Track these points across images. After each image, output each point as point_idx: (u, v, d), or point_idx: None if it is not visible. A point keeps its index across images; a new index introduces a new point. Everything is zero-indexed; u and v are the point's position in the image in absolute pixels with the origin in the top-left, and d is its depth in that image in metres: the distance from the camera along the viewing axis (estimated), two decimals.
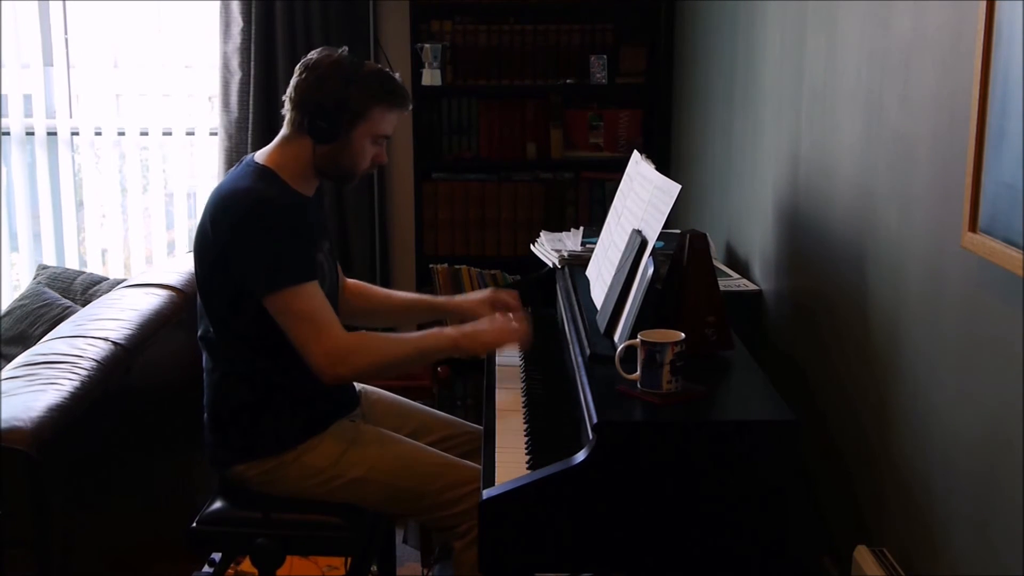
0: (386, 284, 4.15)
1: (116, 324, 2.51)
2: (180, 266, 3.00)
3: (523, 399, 2.29)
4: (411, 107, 2.41)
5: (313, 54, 2.33)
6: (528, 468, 1.96)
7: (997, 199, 1.37)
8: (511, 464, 1.98)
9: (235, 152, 4.04)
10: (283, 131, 2.35)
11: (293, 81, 2.31)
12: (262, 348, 2.27)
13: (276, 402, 2.32)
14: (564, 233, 3.03)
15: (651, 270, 2.03)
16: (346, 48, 2.33)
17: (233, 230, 2.23)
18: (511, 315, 2.43)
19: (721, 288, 2.12)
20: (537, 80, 3.99)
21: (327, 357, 2.21)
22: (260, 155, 2.36)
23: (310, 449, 2.31)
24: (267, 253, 2.21)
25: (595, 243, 2.61)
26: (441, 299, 2.78)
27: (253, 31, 3.96)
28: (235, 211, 2.24)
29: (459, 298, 2.69)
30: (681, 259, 2.08)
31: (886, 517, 1.84)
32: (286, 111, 2.33)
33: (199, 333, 2.38)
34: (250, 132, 4.01)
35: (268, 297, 2.21)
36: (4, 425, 1.99)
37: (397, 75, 2.36)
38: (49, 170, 4.42)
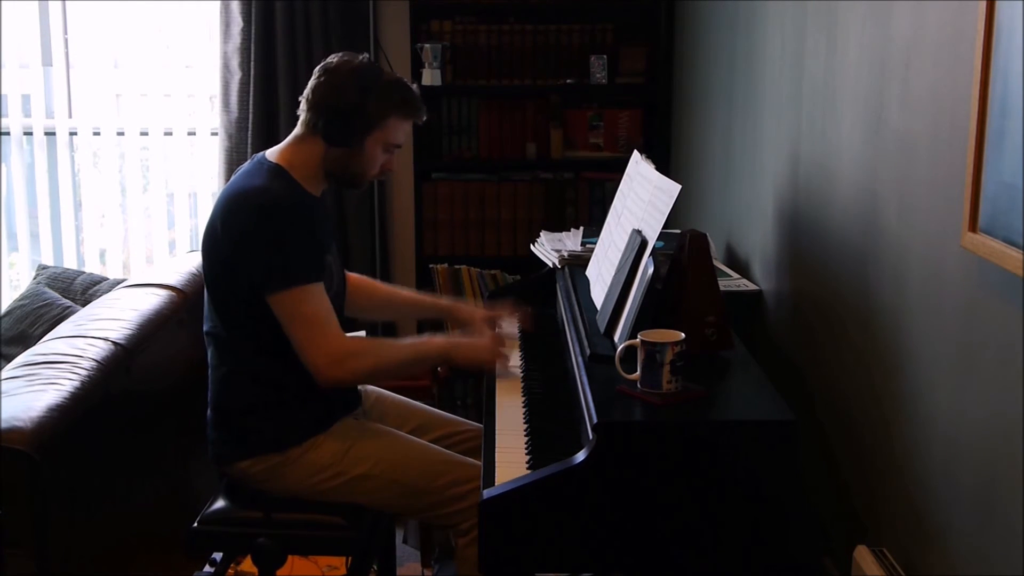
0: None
1: (116, 324, 2.52)
2: (180, 266, 3.00)
3: (523, 399, 2.29)
4: (424, 118, 2.43)
5: (333, 58, 2.34)
6: (528, 468, 1.96)
7: (997, 199, 1.37)
8: (511, 464, 1.98)
9: (235, 152, 4.04)
10: (296, 130, 2.36)
11: (311, 83, 2.32)
12: (271, 346, 2.26)
13: (282, 399, 2.32)
14: (564, 233, 3.03)
15: (651, 270, 2.03)
16: (367, 55, 2.34)
17: (245, 228, 2.23)
18: (498, 329, 2.48)
19: (721, 288, 2.12)
20: (537, 80, 3.99)
21: (326, 359, 2.22)
22: (272, 153, 2.36)
23: (314, 446, 2.31)
24: (276, 252, 2.21)
25: (595, 243, 2.61)
26: (444, 300, 2.81)
27: (253, 31, 3.96)
28: (247, 209, 2.24)
29: (461, 302, 2.73)
30: (681, 259, 2.08)
31: (886, 517, 1.84)
32: (301, 111, 2.34)
33: (205, 329, 2.38)
34: (250, 132, 4.01)
35: (273, 296, 2.21)
36: (4, 425, 1.99)
37: (415, 85, 2.37)
38: (48, 170, 4.43)
